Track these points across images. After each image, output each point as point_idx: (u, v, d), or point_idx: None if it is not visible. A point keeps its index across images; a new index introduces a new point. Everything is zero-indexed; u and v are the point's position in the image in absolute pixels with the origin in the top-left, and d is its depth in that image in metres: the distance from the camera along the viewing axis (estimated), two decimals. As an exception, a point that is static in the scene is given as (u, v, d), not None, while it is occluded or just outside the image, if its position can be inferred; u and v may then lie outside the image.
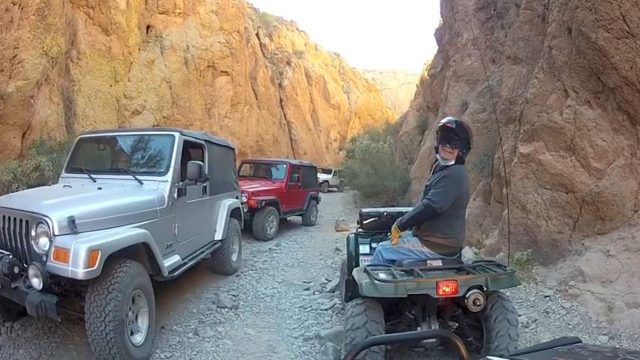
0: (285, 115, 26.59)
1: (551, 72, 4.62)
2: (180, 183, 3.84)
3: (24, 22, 6.85)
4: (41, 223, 2.68)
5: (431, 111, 11.70)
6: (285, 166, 9.40)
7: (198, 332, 3.61)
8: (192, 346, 3.39)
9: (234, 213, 5.51)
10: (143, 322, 3.03)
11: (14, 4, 6.64)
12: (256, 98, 20.64)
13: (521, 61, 5.87)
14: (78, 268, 2.48)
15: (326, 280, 5.45)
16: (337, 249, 7.19)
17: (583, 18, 3.96)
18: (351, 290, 3.08)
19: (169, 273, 3.49)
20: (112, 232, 2.90)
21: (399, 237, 2.95)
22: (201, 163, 3.94)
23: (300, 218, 10.43)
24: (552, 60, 4.59)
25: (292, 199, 9.28)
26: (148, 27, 13.96)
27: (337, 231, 9.42)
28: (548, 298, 4.00)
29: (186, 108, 14.45)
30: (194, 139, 4.45)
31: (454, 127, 2.84)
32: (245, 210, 7.21)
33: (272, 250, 7.18)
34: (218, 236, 4.92)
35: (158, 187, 3.62)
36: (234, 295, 4.63)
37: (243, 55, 18.57)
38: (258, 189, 8.12)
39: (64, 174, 4.13)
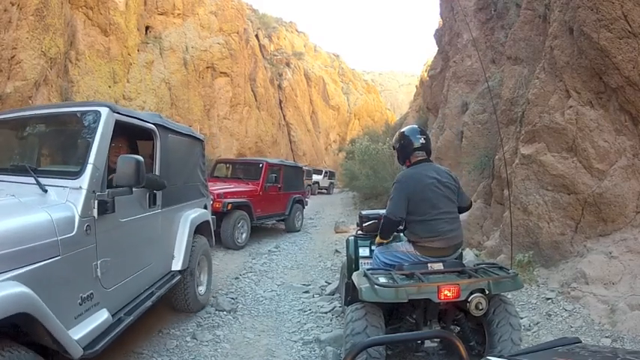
0: (284, 116, 26.63)
1: (553, 72, 4.59)
2: (106, 191, 2.40)
3: (22, 23, 6.83)
4: None
5: (431, 112, 11.67)
6: (260, 165, 8.45)
7: (197, 336, 3.57)
8: (190, 350, 3.35)
9: (201, 229, 4.13)
10: None
11: (12, 5, 6.62)
12: (255, 99, 20.66)
13: (522, 62, 5.84)
14: None
15: (325, 282, 5.40)
16: (337, 251, 7.14)
17: (585, 18, 3.93)
18: (350, 294, 3.04)
19: (86, 348, 2.06)
20: None
21: (390, 242, 3.03)
22: (138, 157, 2.48)
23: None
24: (554, 60, 4.56)
25: (270, 202, 8.37)
26: (147, 28, 13.97)
27: (337, 233, 9.38)
28: (550, 301, 3.96)
29: (185, 109, 14.45)
30: (136, 122, 2.93)
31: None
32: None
33: (271, 253, 7.15)
34: (177, 266, 3.53)
35: (66, 200, 2.19)
36: (232, 298, 4.58)
37: (242, 56, 18.58)
38: (227, 190, 7.26)
39: None
